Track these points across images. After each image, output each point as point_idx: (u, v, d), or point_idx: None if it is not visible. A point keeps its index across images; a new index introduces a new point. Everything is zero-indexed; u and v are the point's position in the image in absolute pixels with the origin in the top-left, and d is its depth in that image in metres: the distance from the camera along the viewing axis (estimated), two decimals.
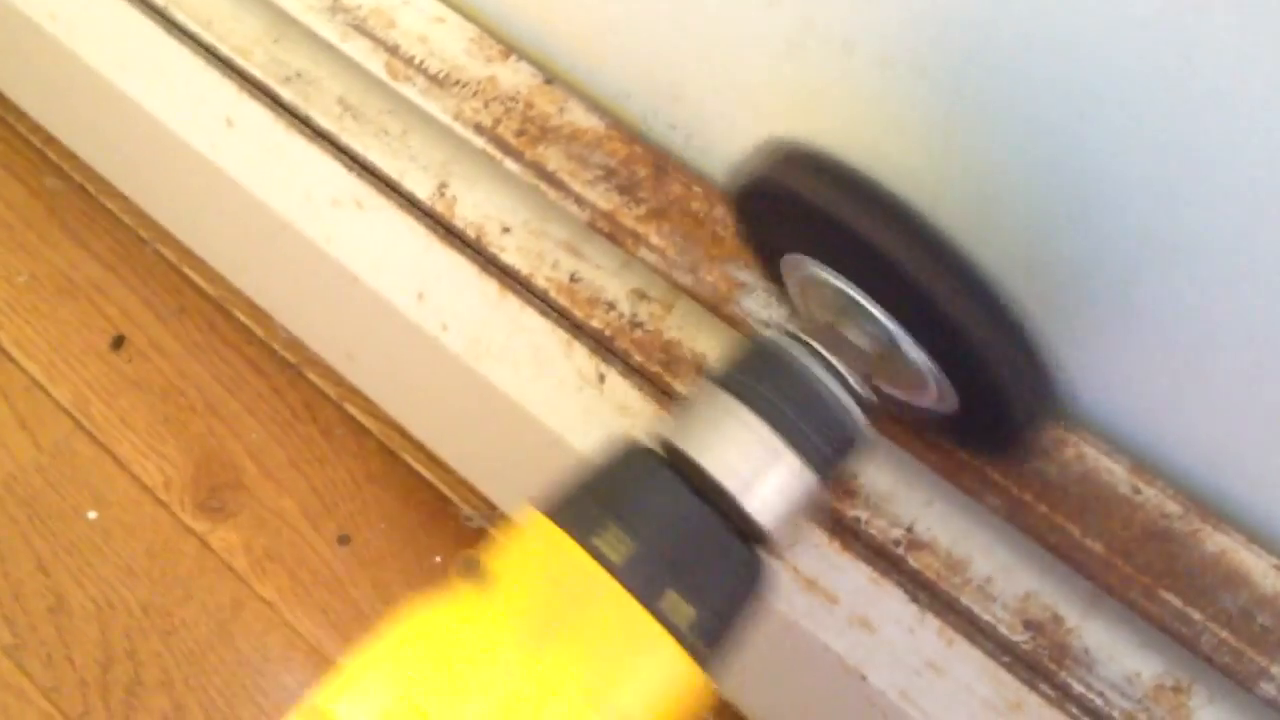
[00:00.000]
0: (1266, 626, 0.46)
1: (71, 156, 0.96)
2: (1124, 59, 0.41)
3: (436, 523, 0.83)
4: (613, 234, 0.59)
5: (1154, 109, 0.42)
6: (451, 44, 0.64)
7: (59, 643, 0.78)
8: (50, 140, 0.97)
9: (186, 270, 0.92)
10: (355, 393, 0.86)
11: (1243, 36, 0.38)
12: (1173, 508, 0.49)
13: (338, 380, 0.87)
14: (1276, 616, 0.46)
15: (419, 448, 0.84)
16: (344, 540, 0.82)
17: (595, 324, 0.61)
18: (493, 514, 0.81)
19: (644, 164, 0.60)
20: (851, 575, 0.55)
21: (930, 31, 0.46)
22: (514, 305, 0.63)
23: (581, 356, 0.61)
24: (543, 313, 0.62)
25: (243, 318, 0.90)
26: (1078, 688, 0.51)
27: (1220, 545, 0.48)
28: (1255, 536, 0.48)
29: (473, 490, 0.82)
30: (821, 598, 0.56)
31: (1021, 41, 0.44)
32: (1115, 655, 0.51)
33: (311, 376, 0.87)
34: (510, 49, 0.64)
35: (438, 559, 0.81)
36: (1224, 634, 0.47)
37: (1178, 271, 0.44)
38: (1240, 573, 0.47)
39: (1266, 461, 0.47)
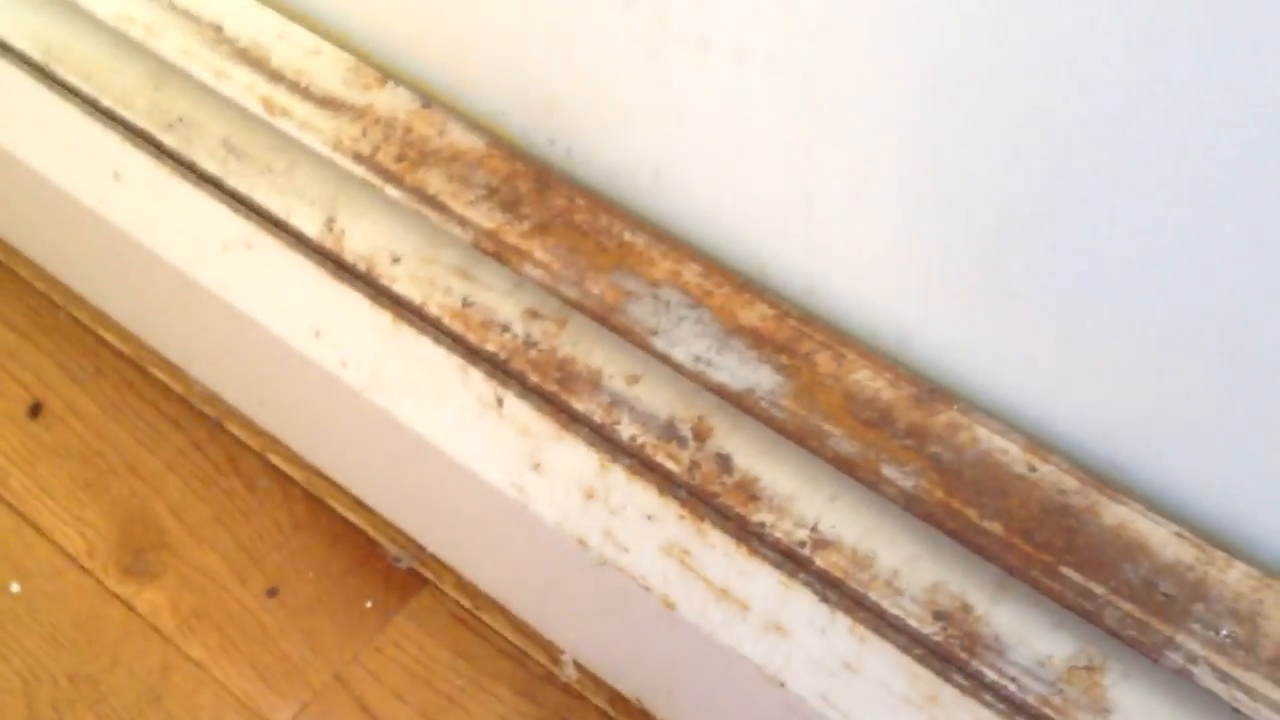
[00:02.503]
0: (1169, 595, 0.45)
1: None
2: (972, 27, 0.41)
3: (365, 567, 0.81)
4: (498, 253, 0.58)
5: (1001, 77, 0.41)
6: (328, 74, 0.64)
7: None
8: None
9: (101, 332, 0.90)
10: (277, 442, 0.84)
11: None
12: (1070, 482, 0.48)
13: (258, 431, 0.85)
14: (1178, 584, 0.45)
15: (343, 492, 0.82)
16: (272, 592, 0.80)
17: (490, 348, 0.60)
18: (421, 553, 0.80)
19: (526, 180, 0.59)
20: (761, 580, 0.54)
21: (782, 19, 0.46)
22: (409, 335, 0.62)
23: (479, 381, 0.60)
24: (437, 340, 0.61)
25: (159, 375, 0.88)
26: (991, 675, 0.49)
27: (1119, 517, 0.47)
28: (1153, 504, 0.47)
29: (399, 531, 0.80)
30: (734, 606, 0.55)
31: (874, 22, 0.44)
32: (1026, 639, 0.49)
33: (232, 428, 0.86)
34: (387, 75, 0.63)
35: (368, 604, 0.80)
36: (1128, 606, 0.46)
37: (1039, 240, 0.43)
38: (1140, 542, 0.46)
39: (1158, 425, 0.46)
